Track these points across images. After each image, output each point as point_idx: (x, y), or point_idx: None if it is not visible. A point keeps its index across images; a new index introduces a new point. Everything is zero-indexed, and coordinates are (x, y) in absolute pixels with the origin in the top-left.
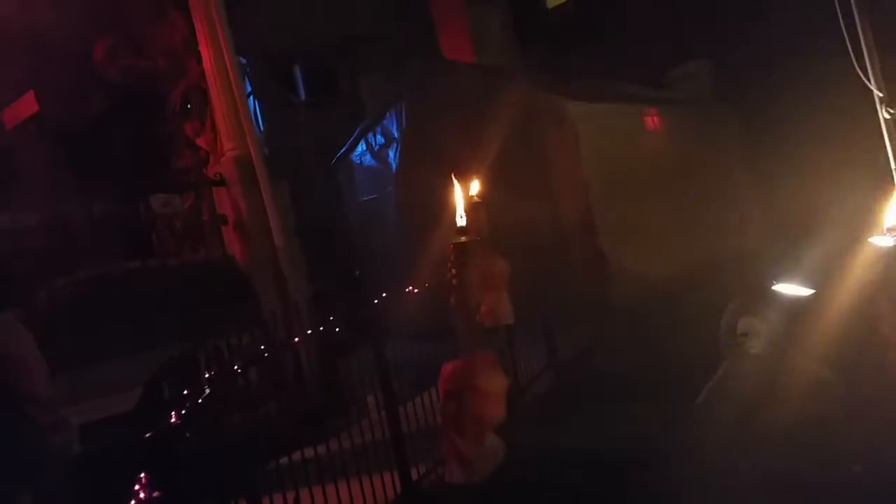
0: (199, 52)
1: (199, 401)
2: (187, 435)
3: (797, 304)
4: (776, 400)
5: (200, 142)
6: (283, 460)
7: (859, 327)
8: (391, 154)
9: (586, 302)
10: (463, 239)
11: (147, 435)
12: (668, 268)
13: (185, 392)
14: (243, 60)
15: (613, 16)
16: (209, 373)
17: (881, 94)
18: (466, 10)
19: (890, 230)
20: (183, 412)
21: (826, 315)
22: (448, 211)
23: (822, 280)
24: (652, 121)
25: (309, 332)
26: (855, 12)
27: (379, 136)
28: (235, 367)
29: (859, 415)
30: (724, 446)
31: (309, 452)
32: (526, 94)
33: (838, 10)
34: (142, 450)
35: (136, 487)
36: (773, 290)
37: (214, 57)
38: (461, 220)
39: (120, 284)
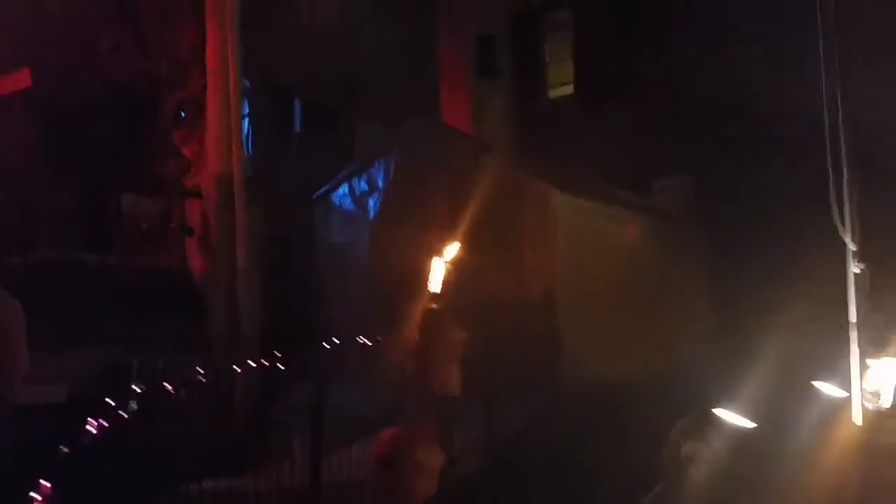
0: (204, 63)
1: (124, 416)
2: (99, 457)
3: (742, 437)
4: None
5: (186, 151)
6: (194, 486)
7: (804, 481)
8: (371, 202)
9: (533, 384)
10: (434, 307)
11: (61, 447)
12: (619, 369)
13: (111, 404)
14: (245, 81)
15: (610, 119)
16: (140, 387)
17: (854, 249)
18: (473, 80)
19: (872, 396)
20: (103, 427)
21: (774, 455)
22: (417, 271)
23: (771, 416)
24: (629, 225)
25: (251, 363)
26: (844, 165)
27: (363, 183)
28: (167, 387)
29: None
30: None
31: (223, 483)
32: (514, 174)
33: (828, 161)
34: (53, 460)
35: (36, 495)
36: (719, 417)
37: (220, 72)
38: (435, 287)
39: (74, 274)
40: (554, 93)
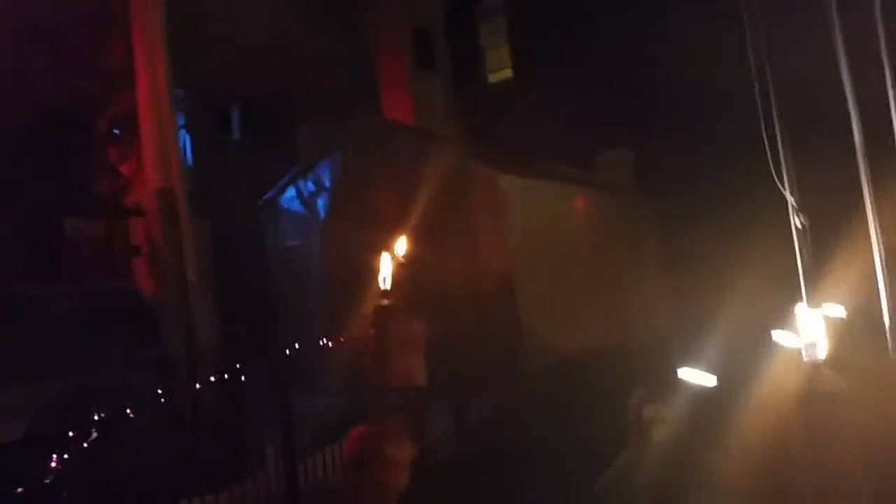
0: (134, 78)
1: (84, 445)
2: (62, 493)
3: (701, 394)
4: (673, 489)
5: (123, 169)
6: None
7: (766, 431)
8: (320, 202)
9: (498, 369)
10: (385, 302)
11: (18, 490)
12: (578, 343)
13: (70, 434)
14: (180, 93)
15: (550, 98)
16: (99, 413)
17: (795, 204)
18: (411, 73)
19: (808, 347)
20: (64, 460)
21: (730, 407)
22: (372, 268)
23: (727, 371)
24: (576, 200)
25: (212, 378)
26: (776, 121)
27: (310, 184)
28: (127, 410)
29: None
30: None
31: (197, 502)
32: (460, 162)
33: (761, 118)
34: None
35: None
36: (678, 377)
37: (149, 85)
38: (385, 283)
39: (20, 306)
40: (493, 77)
